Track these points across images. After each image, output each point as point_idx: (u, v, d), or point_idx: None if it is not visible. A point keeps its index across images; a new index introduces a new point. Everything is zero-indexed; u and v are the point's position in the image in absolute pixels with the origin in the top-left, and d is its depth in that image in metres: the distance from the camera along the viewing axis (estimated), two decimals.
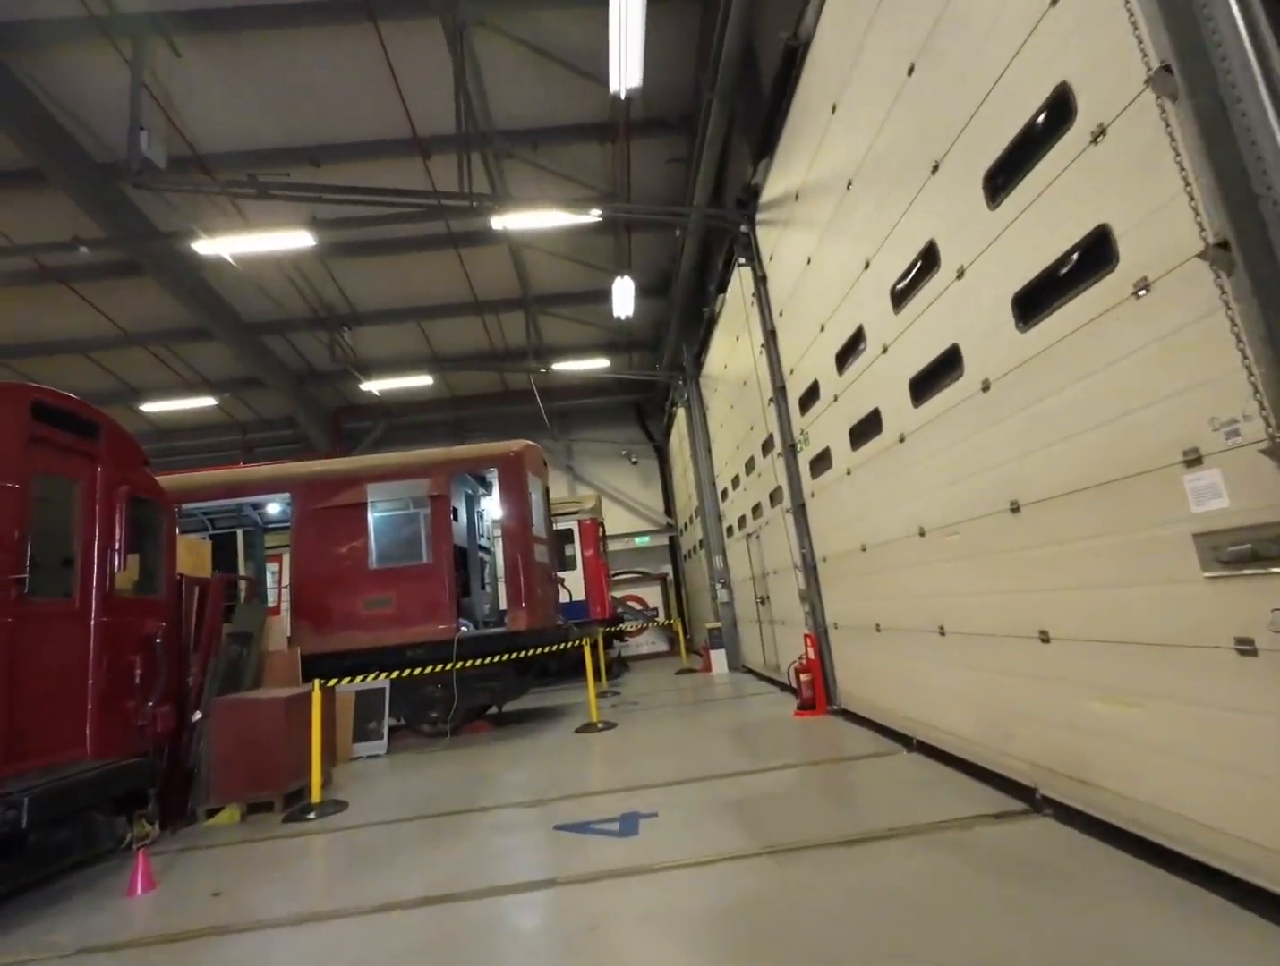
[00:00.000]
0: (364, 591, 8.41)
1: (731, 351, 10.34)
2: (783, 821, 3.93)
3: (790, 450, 7.53)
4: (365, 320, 14.54)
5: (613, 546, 18.68)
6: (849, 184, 5.30)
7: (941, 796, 4.02)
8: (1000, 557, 3.76)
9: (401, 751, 7.91)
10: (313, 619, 8.34)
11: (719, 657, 12.45)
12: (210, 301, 13.13)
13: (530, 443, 9.42)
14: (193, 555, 7.39)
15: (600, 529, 15.27)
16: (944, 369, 4.18)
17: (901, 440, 4.83)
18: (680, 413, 15.33)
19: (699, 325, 12.96)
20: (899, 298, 4.68)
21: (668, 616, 18.63)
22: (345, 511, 8.60)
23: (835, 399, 6.11)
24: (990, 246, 3.54)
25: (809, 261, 6.42)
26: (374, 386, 16.03)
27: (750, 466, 9.98)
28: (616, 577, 18.76)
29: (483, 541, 10.99)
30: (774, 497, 8.79)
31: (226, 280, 12.98)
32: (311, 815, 5.35)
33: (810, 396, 6.83)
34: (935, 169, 4.00)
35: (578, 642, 8.64)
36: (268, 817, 5.54)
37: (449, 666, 7.87)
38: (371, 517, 8.73)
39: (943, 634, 4.55)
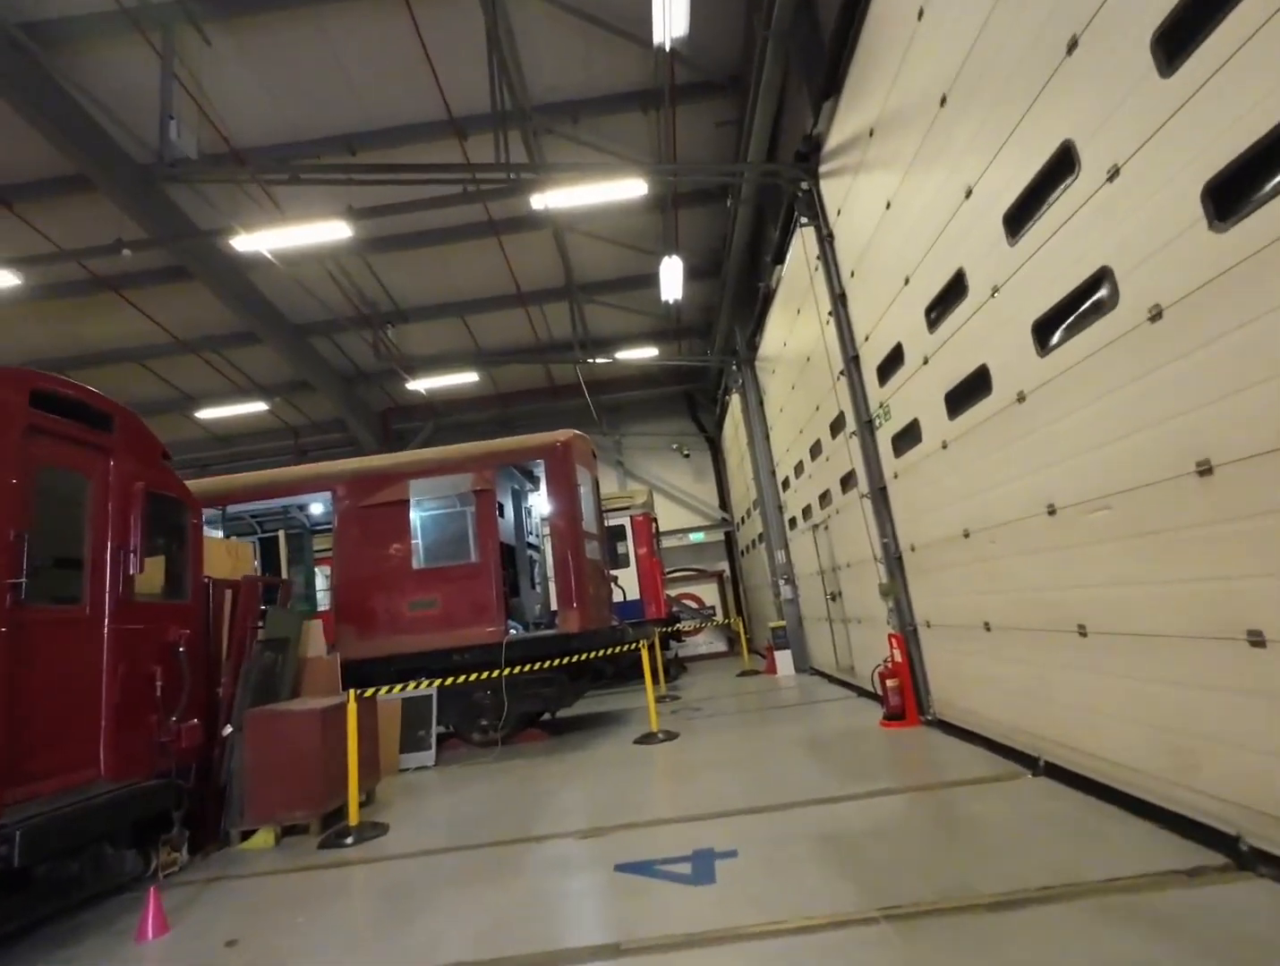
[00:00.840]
0: (408, 593, 7.97)
1: (792, 327, 9.52)
2: (896, 869, 3.17)
3: (866, 427, 6.69)
4: (409, 316, 14.27)
5: (666, 543, 18.01)
6: (943, 100, 4.47)
7: (1099, 839, 3.19)
8: (1180, 537, 2.91)
9: (451, 763, 7.42)
10: (356, 622, 7.95)
11: (784, 659, 11.62)
12: (257, 304, 13.05)
13: (578, 432, 8.83)
14: (233, 557, 7.07)
15: (654, 524, 14.61)
16: (1084, 302, 3.34)
17: (1021, 399, 3.99)
18: (734, 401, 14.54)
19: (752, 306, 12.15)
20: (1016, 223, 3.84)
21: (726, 615, 17.84)
22: (387, 509, 8.18)
23: (925, 362, 5.27)
24: (1167, 124, 2.70)
25: (888, 206, 5.59)
26: (420, 385, 15.77)
27: (816, 450, 9.14)
28: (671, 575, 18.08)
29: (531, 538, 10.47)
30: (846, 483, 7.95)
31: (271, 282, 12.87)
32: (349, 840, 4.85)
33: (891, 363, 5.99)
34: (1072, 46, 3.16)
35: (634, 644, 7.99)
36: (304, 840, 5.08)
37: (498, 672, 7.33)
38: (414, 515, 8.29)
39: (1083, 634, 3.70)
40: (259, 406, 16.06)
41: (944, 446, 5.14)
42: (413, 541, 8.10)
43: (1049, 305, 3.62)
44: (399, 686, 7.24)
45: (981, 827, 3.55)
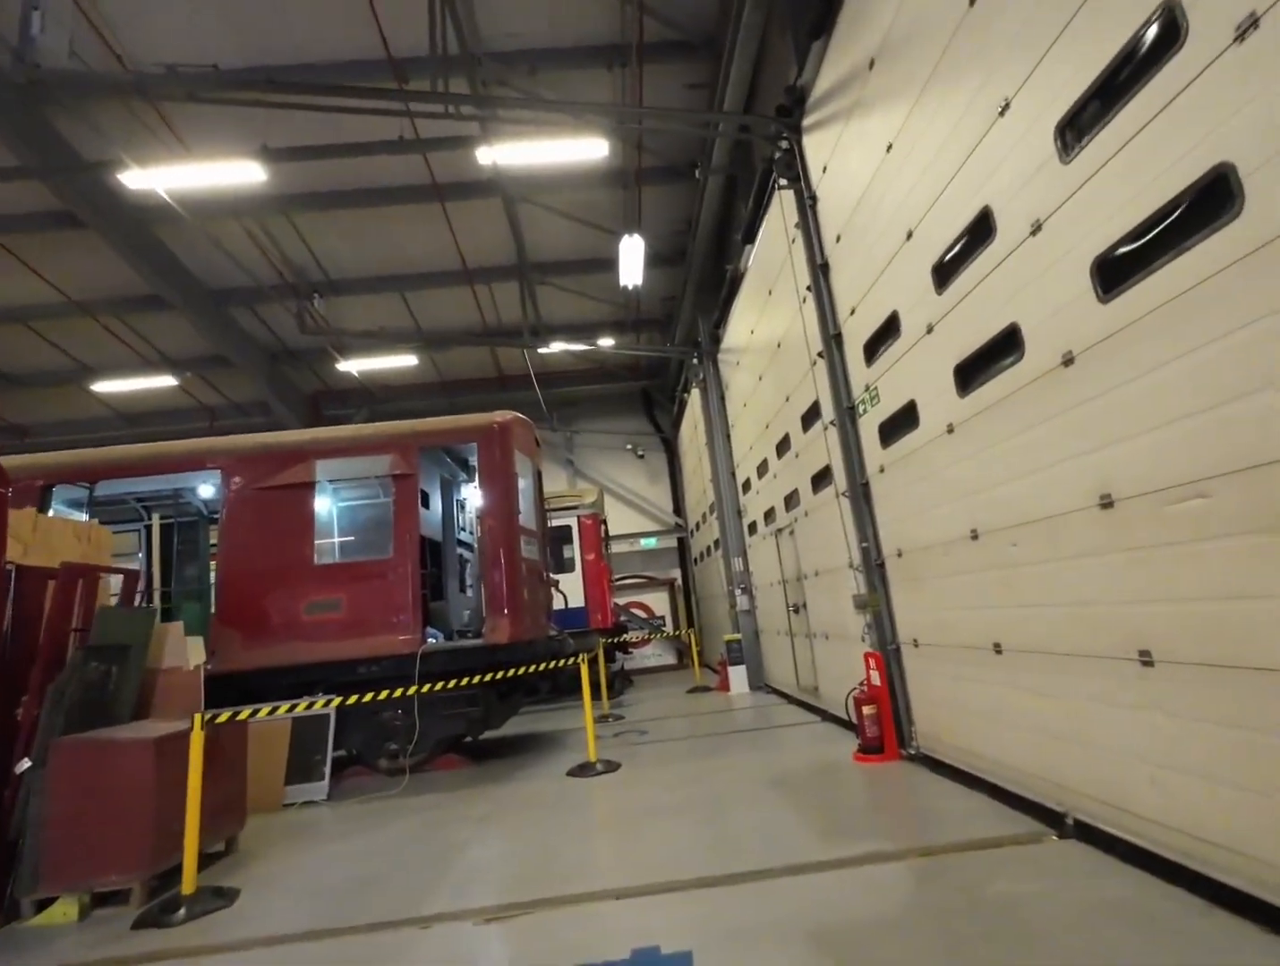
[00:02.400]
0: (307, 592, 6.74)
1: (761, 311, 8.69)
2: None
3: (848, 415, 5.85)
4: (341, 288, 12.92)
5: (616, 547, 17.00)
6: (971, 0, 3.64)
7: (1196, 943, 2.31)
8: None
9: (348, 796, 6.21)
10: (241, 626, 6.67)
11: (738, 675, 10.73)
12: (164, 264, 11.52)
13: (519, 415, 7.76)
14: (84, 543, 5.73)
15: (603, 527, 13.58)
16: (1176, 225, 2.51)
17: (1068, 363, 3.15)
18: (693, 398, 13.68)
19: (717, 294, 11.33)
20: (1073, 135, 3.01)
21: (676, 626, 16.90)
22: (286, 493, 6.93)
23: (929, 330, 4.43)
24: None
25: (888, 149, 4.76)
26: (353, 366, 14.40)
27: (784, 447, 8.29)
28: (620, 582, 17.06)
29: (464, 536, 9.32)
30: (819, 481, 7.11)
31: (181, 239, 11.37)
32: (178, 915, 3.65)
33: (883, 337, 5.15)
34: None
35: (574, 658, 6.93)
36: (122, 912, 3.85)
37: (411, 689, 6.17)
38: (319, 501, 7.06)
39: (1148, 663, 2.86)
40: (168, 381, 14.37)
41: (949, 430, 4.30)
42: (315, 532, 6.88)
43: (1115, 236, 2.79)
44: (286, 705, 6.03)
45: (1021, 919, 2.64)
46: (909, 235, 4.57)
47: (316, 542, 6.88)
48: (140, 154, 8.65)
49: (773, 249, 7.77)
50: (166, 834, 3.99)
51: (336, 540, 7.15)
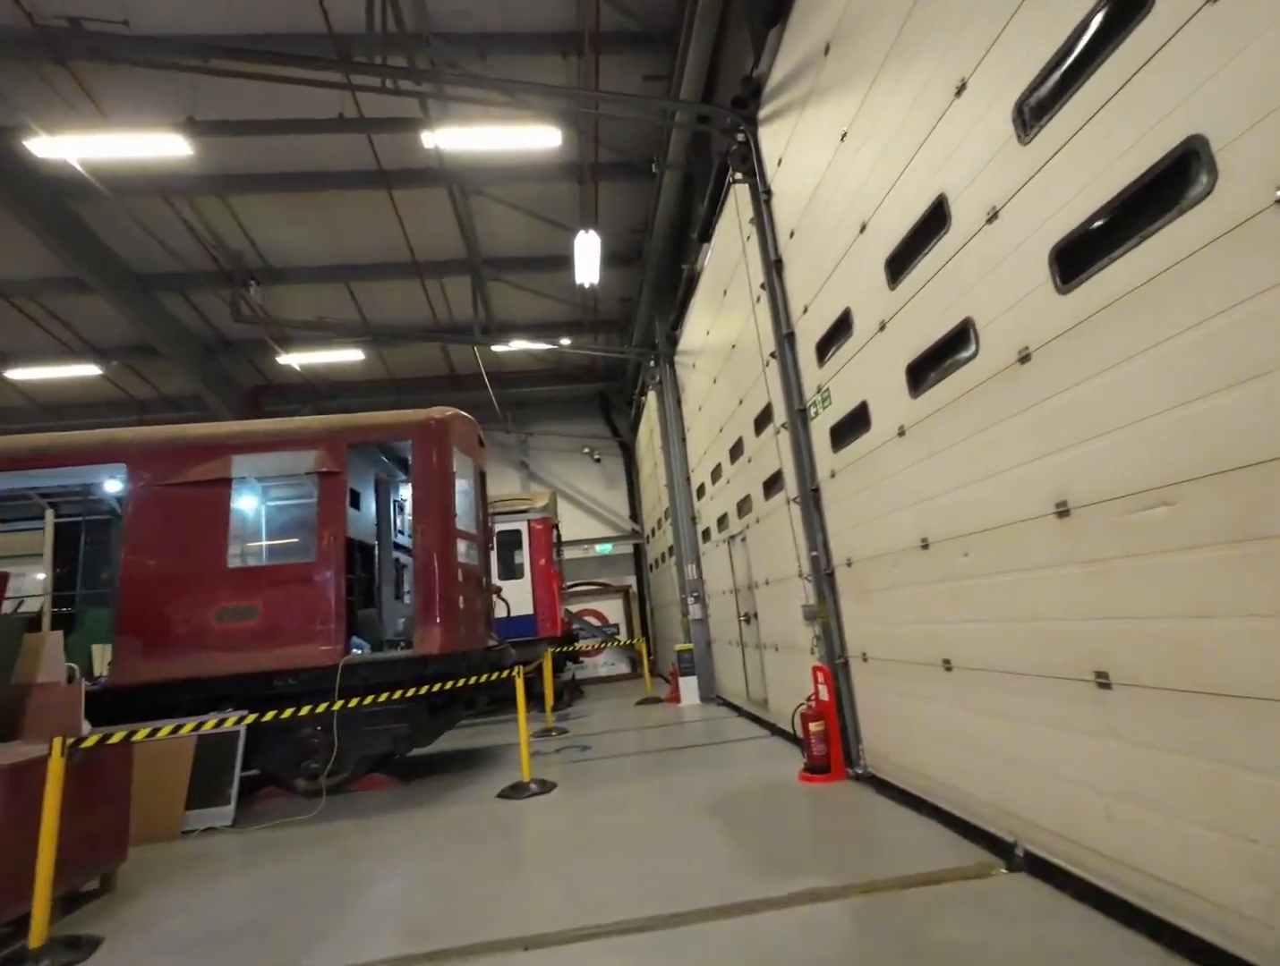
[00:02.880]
0: (219, 598, 6.19)
1: (717, 313, 8.45)
2: None
3: (799, 417, 5.62)
4: (281, 277, 12.28)
5: (570, 554, 16.60)
6: None
7: None
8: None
9: (257, 821, 5.68)
10: (144, 634, 6.09)
11: (689, 686, 10.43)
12: (86, 244, 10.76)
13: (460, 412, 7.34)
14: None
15: (555, 532, 13.18)
16: (1143, 206, 2.30)
17: (1024, 360, 2.93)
18: (650, 402, 13.39)
19: (674, 295, 11.09)
20: (1032, 114, 2.79)
21: (631, 635, 16.55)
22: (199, 490, 6.38)
23: (881, 327, 4.21)
24: None
25: (843, 138, 4.54)
26: (295, 360, 13.71)
27: (738, 451, 8.05)
28: (573, 589, 16.66)
29: (402, 539, 8.82)
30: (771, 487, 6.87)
31: (104, 218, 10.62)
32: None
33: (835, 336, 4.93)
34: None
35: (513, 669, 6.53)
36: None
37: (332, 704, 5.69)
38: (236, 500, 6.53)
39: (1104, 685, 2.63)
40: (91, 370, 13.45)
41: (900, 433, 4.08)
42: (230, 532, 6.34)
43: (1075, 222, 2.57)
44: (190, 724, 5.49)
45: None
46: (862, 228, 4.35)
47: (231, 544, 6.34)
48: (51, 121, 7.99)
49: (728, 247, 7.54)
50: (19, 875, 3.47)
51: (254, 542, 6.61)
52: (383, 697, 5.73)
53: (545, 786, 5.81)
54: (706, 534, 10.36)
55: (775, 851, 3.77)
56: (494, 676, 6.55)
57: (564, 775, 6.32)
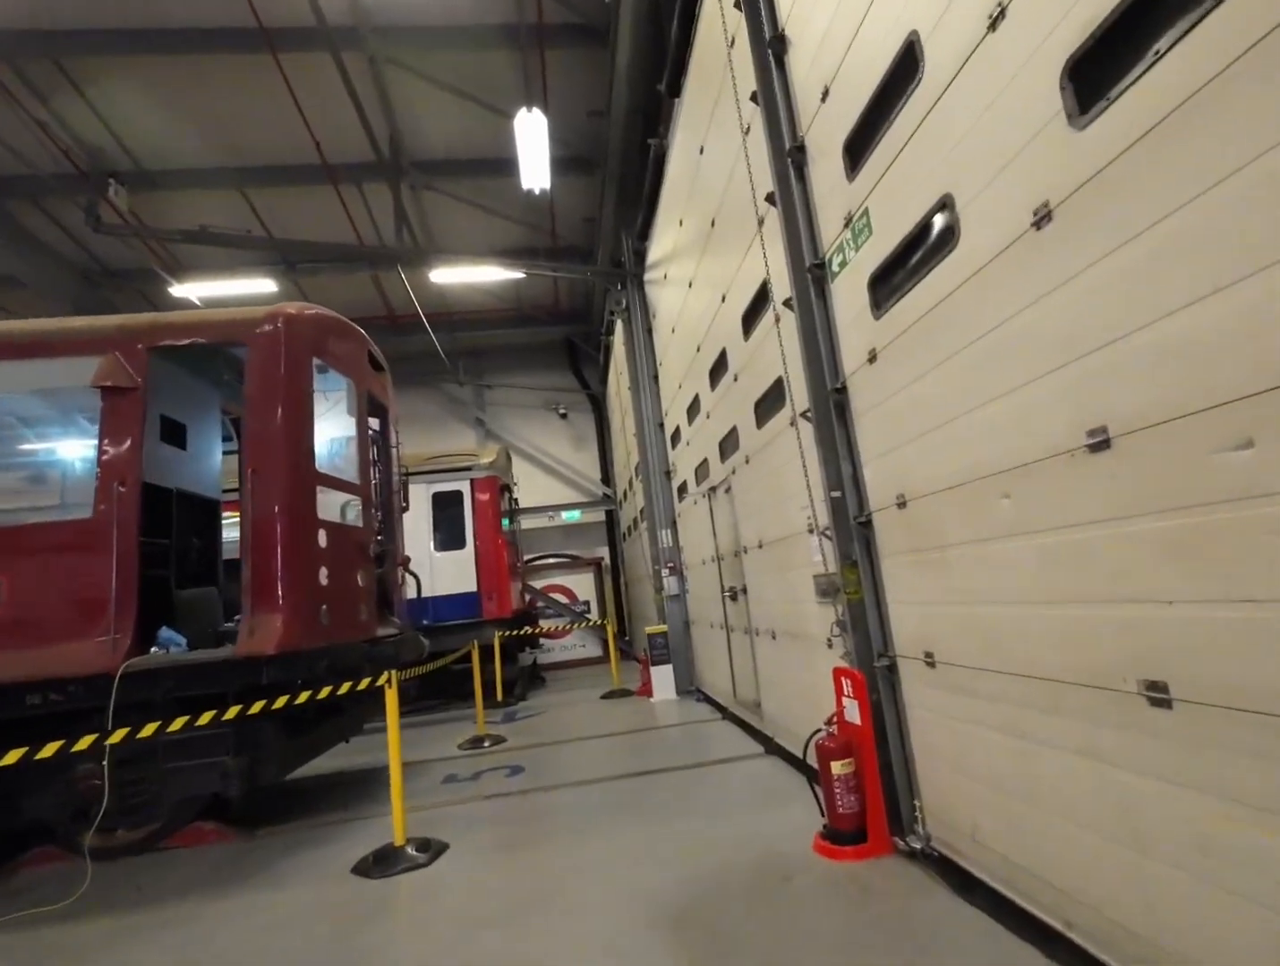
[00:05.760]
0: None
1: (691, 189, 6.34)
2: None
3: (812, 280, 3.56)
4: (156, 181, 9.94)
5: (533, 522, 14.58)
6: None
7: None
8: None
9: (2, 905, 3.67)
10: None
11: (663, 677, 8.49)
12: None
13: (328, 312, 5.24)
14: None
15: (507, 494, 11.12)
16: None
17: None
18: (617, 339, 11.25)
19: (640, 205, 8.95)
20: None
21: (603, 614, 14.60)
22: None
23: (991, 28, 2.14)
24: None
25: None
26: (192, 291, 11.42)
27: (720, 368, 5.98)
28: (536, 563, 14.66)
29: None
30: (765, 407, 4.83)
31: None
32: None
33: (885, 105, 2.86)
34: None
35: (386, 676, 4.48)
36: None
37: (114, 732, 3.67)
38: None
39: None
40: None
41: (1039, 222, 2.03)
42: None
43: None
44: None
45: None
46: None
47: None
48: None
49: (706, 78, 5.40)
50: None
51: None
52: (204, 718, 3.72)
53: (428, 851, 3.83)
54: (683, 489, 8.33)
55: None
56: (367, 684, 4.52)
57: (467, 824, 4.35)
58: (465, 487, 10.18)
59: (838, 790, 3.24)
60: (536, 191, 9.73)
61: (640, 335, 9.41)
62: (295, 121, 9.27)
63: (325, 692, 4.23)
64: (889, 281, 2.94)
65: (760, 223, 4.31)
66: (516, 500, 12.51)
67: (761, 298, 4.57)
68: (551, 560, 14.86)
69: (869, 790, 3.21)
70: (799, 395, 3.84)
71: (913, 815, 3.11)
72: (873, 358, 3.11)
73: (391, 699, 4.01)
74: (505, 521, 10.87)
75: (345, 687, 4.29)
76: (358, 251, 10.88)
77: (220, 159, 9.89)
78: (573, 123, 9.77)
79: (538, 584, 14.38)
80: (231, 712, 3.88)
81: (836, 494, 3.53)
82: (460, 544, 10.00)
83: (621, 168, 9.20)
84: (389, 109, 9.28)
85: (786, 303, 3.87)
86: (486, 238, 12.02)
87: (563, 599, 14.51)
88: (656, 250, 8.55)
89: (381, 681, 4.06)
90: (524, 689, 10.36)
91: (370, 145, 9.49)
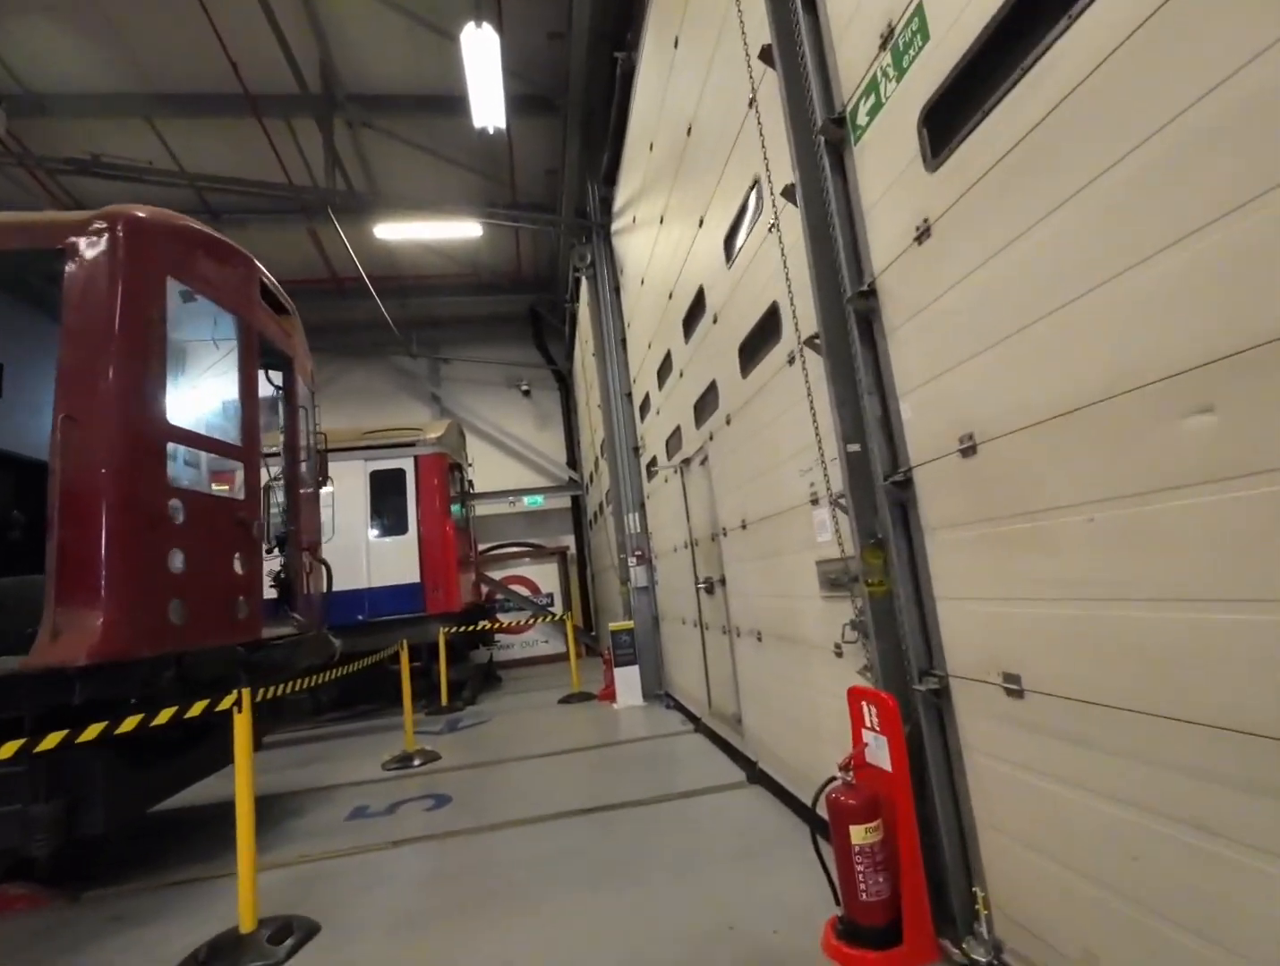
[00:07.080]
0: None
1: (663, 99, 5.27)
2: None
3: (827, 143, 2.55)
4: (46, 106, 8.56)
5: (492, 508, 13.46)
6: None
7: None
8: None
9: None
10: None
11: (628, 680, 7.48)
12: None
13: (188, 221, 4.09)
14: None
15: (457, 472, 9.99)
16: None
17: None
18: (583, 302, 10.14)
19: (605, 144, 7.86)
20: None
21: (567, 607, 13.54)
22: None
23: None
24: None
25: None
26: None
27: (696, 314, 4.94)
28: (494, 552, 13.54)
29: None
30: (753, 350, 3.81)
31: None
32: None
33: None
34: None
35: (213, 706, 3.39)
36: None
37: None
38: None
39: None
40: None
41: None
42: None
43: None
44: None
45: None
46: None
47: None
48: None
49: None
50: None
51: None
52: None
53: (288, 940, 2.75)
54: (653, 465, 7.30)
55: None
56: (234, 699, 3.41)
57: (361, 884, 3.29)
58: (408, 466, 9.02)
59: (860, 866, 2.25)
60: (491, 131, 8.55)
61: (607, 294, 8.33)
62: (210, 41, 7.96)
63: (167, 715, 3.13)
64: (957, 110, 1.93)
65: (752, 100, 3.27)
66: (471, 482, 11.39)
67: (756, 190, 3.54)
68: (512, 549, 13.74)
69: (905, 868, 2.23)
70: (805, 317, 2.82)
71: (970, 909, 2.13)
72: (923, 233, 2.10)
73: (243, 727, 2.91)
74: (456, 506, 9.75)
75: (199, 706, 3.18)
76: (283, 191, 9.55)
77: (122, 84, 8.53)
78: (530, 53, 8.59)
79: (497, 575, 13.26)
80: (52, 740, 2.80)
81: (855, 447, 2.53)
82: (402, 529, 8.85)
83: (586, 100, 8.09)
84: (319, 30, 8.03)
85: (787, 192, 2.84)
86: (438, 188, 10.79)
87: (524, 591, 13.41)
88: (625, 190, 7.48)
89: (227, 703, 2.96)
90: (474, 691, 9.27)
91: (294, 74, 8.24)
